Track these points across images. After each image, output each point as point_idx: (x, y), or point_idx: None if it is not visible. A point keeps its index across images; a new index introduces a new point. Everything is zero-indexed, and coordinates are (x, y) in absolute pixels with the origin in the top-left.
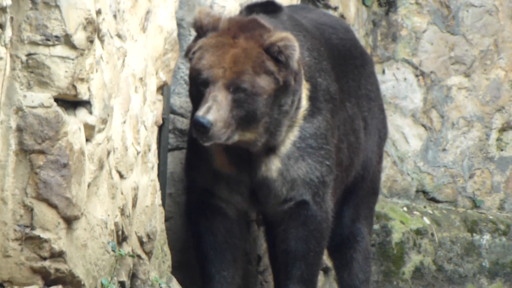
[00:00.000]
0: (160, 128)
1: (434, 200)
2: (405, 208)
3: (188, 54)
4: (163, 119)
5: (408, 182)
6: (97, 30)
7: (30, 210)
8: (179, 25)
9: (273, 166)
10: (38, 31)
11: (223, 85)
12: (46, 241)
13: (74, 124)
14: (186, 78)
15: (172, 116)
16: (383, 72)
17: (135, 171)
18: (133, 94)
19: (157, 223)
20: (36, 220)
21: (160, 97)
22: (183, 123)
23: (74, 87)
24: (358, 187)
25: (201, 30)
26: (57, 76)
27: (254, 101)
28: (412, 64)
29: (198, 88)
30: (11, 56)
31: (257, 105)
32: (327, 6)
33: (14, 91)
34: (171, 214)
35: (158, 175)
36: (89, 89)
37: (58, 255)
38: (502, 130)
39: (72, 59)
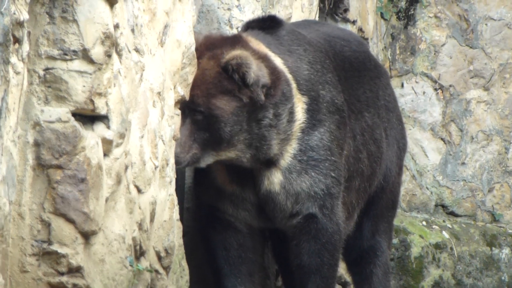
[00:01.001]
0: None
1: (453, 214)
2: (424, 222)
3: None
4: None
5: (427, 196)
6: (115, 44)
7: (47, 225)
8: None
9: (275, 179)
10: (56, 45)
11: (181, 109)
12: (63, 256)
13: (91, 138)
14: None
15: None
16: (402, 85)
17: (153, 186)
18: (151, 108)
19: (175, 237)
20: (53, 235)
21: (178, 111)
22: None
23: (92, 101)
24: (378, 197)
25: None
26: (75, 90)
27: (214, 122)
28: (431, 77)
29: None
30: (28, 70)
31: (218, 126)
32: (346, 20)
33: (32, 105)
34: (188, 229)
35: (176, 190)
36: (107, 104)
37: (75, 270)
38: None
39: (90, 74)
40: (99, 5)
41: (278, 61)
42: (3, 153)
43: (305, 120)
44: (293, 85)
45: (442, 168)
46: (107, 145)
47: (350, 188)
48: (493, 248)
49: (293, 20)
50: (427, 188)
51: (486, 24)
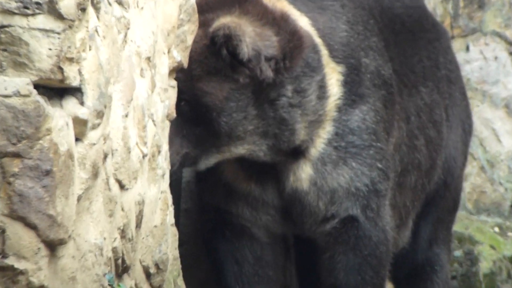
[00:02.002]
0: None
1: None
2: (496, 229)
3: None
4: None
5: (500, 194)
6: None
7: (1, 232)
8: None
9: (303, 174)
10: None
11: None
12: (22, 272)
13: (60, 118)
14: None
15: None
16: (467, 49)
17: (140, 180)
18: (138, 78)
19: (169, 248)
20: (9, 245)
21: (174, 82)
22: None
23: (61, 69)
24: (439, 197)
25: None
26: (38, 55)
27: (205, 113)
28: (505, 38)
29: None
30: None
31: (210, 117)
32: None
33: None
34: (187, 237)
35: (171, 185)
36: (80, 72)
37: None
38: None
39: (58, 33)
40: None
41: (303, 22)
42: None
43: (342, 95)
44: (324, 52)
45: None
46: (81, 127)
47: (404, 186)
48: None
49: None
50: (500, 183)
51: None
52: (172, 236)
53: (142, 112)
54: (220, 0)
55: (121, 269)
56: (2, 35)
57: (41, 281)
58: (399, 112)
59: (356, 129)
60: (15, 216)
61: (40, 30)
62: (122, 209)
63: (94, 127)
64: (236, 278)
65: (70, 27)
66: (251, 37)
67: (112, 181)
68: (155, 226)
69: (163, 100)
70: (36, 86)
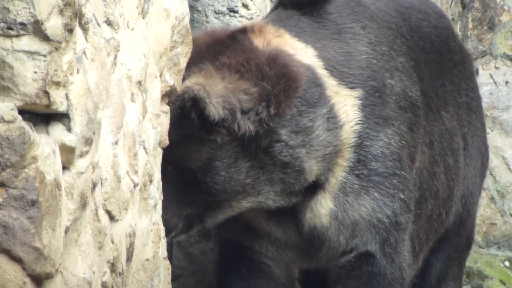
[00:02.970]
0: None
1: None
2: (507, 263)
3: None
4: None
5: (511, 226)
6: (78, 14)
7: None
8: (192, 8)
9: (322, 210)
10: None
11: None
12: None
13: (46, 145)
14: None
15: None
16: (476, 72)
17: (131, 211)
18: (128, 103)
19: (161, 283)
20: None
21: (166, 107)
22: None
23: (47, 94)
24: (454, 233)
25: None
26: (23, 78)
27: (191, 175)
28: None
29: None
30: None
31: (196, 178)
32: None
33: None
34: (180, 271)
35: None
36: (67, 97)
37: None
38: None
39: (44, 55)
40: None
41: (307, 55)
42: None
43: (361, 120)
44: (330, 82)
45: None
46: (68, 155)
47: (420, 215)
48: None
49: None
50: (511, 215)
51: None
52: (164, 270)
53: (133, 139)
54: (200, 51)
55: None
56: None
57: None
58: (424, 136)
59: (380, 156)
60: None
61: (25, 52)
62: (112, 242)
63: (82, 155)
64: None
65: (57, 49)
66: (221, 95)
67: (101, 212)
68: (147, 260)
69: (155, 126)
70: (21, 111)
